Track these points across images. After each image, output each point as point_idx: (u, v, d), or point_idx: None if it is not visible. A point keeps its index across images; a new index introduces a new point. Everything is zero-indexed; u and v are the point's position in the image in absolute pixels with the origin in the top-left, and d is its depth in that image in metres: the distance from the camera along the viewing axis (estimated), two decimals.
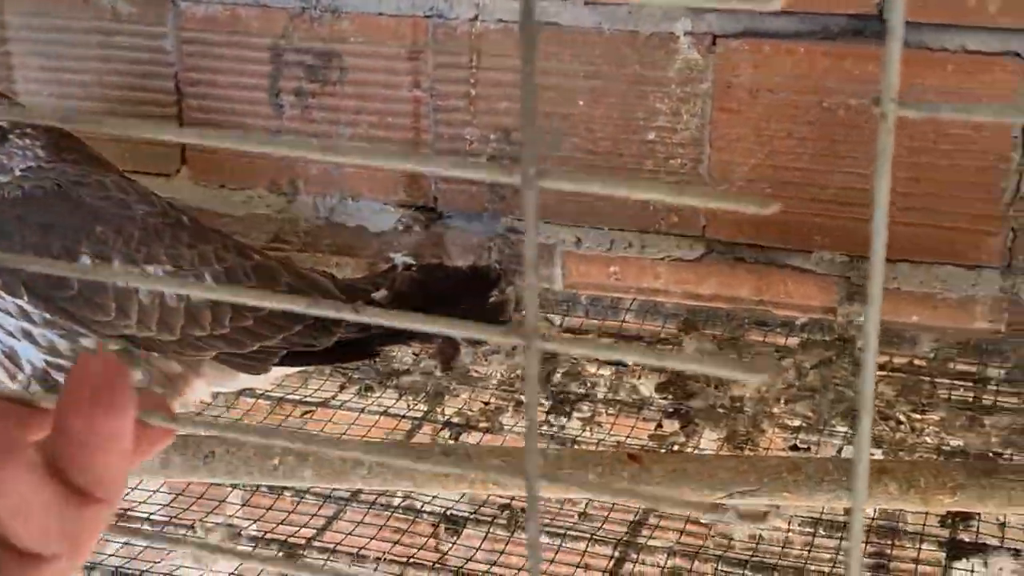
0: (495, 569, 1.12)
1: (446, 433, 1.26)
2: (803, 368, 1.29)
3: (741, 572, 1.10)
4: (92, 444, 0.44)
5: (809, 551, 1.11)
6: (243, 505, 1.21)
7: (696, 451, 1.21)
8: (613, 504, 1.16)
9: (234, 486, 1.18)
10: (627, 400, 1.29)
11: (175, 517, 1.17)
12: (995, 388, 1.28)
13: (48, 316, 1.12)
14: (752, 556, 1.11)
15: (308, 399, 1.32)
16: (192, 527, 1.14)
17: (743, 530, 1.13)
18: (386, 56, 1.46)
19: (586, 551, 1.13)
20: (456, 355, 1.33)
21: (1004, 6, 1.25)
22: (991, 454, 1.18)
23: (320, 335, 1.23)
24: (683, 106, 1.38)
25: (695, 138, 1.38)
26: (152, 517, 1.18)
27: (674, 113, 1.38)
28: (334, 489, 1.17)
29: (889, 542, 1.13)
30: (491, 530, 1.16)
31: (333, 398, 1.32)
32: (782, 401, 1.25)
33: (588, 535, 1.14)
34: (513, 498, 1.16)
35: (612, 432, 1.25)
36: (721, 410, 1.25)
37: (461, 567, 1.11)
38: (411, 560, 1.11)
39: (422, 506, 1.18)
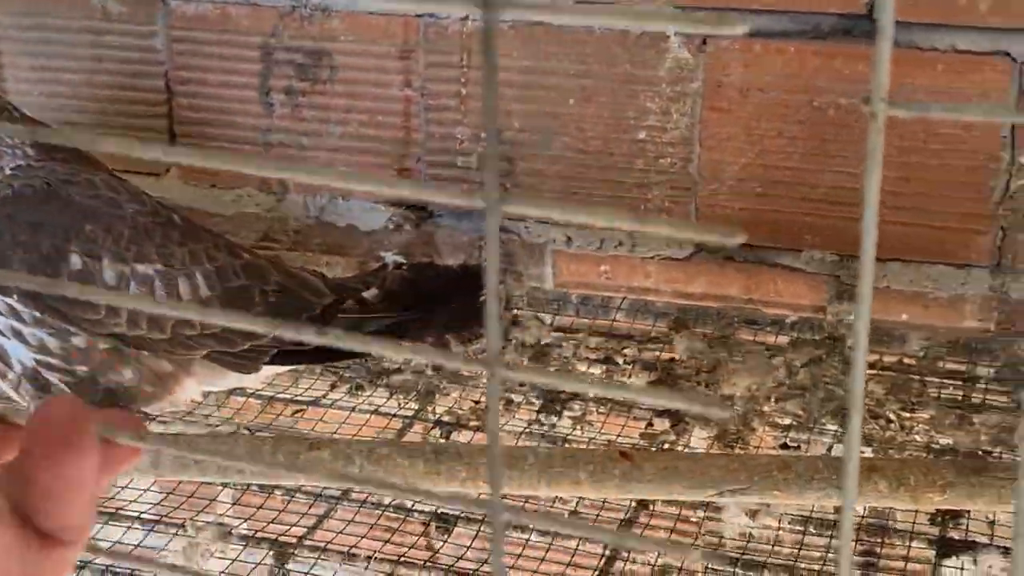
0: (485, 568, 1.12)
1: (437, 432, 1.26)
2: (793, 367, 1.30)
3: (732, 570, 1.10)
4: (57, 491, 0.43)
5: (799, 549, 1.12)
6: (233, 504, 1.21)
7: (687, 449, 1.21)
8: (604, 502, 1.16)
9: (225, 485, 1.18)
10: (618, 399, 1.29)
11: (165, 516, 1.17)
12: (984, 387, 1.29)
13: (38, 315, 1.12)
14: (742, 554, 1.11)
15: (299, 398, 1.32)
16: (183, 525, 1.14)
17: (733, 528, 1.13)
18: (377, 55, 1.46)
19: (577, 549, 1.13)
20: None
21: (994, 5, 1.26)
22: (980, 452, 1.18)
23: None
24: (673, 105, 1.38)
25: (685, 137, 1.38)
26: (142, 516, 1.17)
27: (664, 112, 1.38)
28: (325, 488, 1.17)
29: (879, 540, 1.13)
30: (482, 529, 1.16)
31: (324, 397, 1.32)
32: (772, 400, 1.25)
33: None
34: (504, 497, 1.16)
35: (603, 431, 1.25)
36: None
37: (452, 565, 1.11)
38: (402, 559, 1.11)
39: (413, 505, 1.18)
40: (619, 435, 1.24)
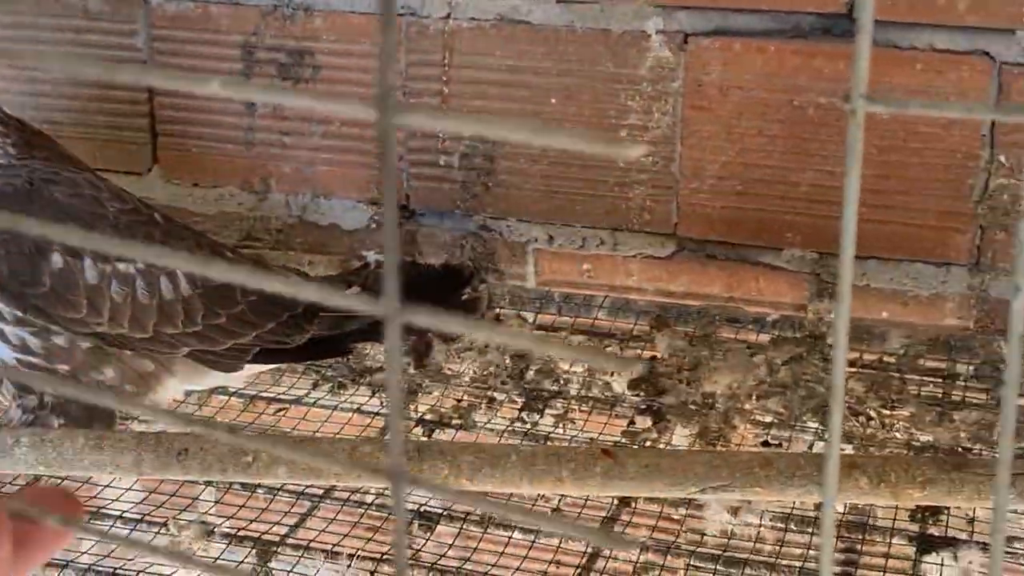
0: (468, 566, 1.12)
1: (419, 430, 1.27)
2: (774, 365, 1.30)
3: (713, 567, 1.10)
4: None
5: (780, 547, 1.12)
6: (216, 503, 1.21)
7: (669, 447, 1.21)
8: (586, 499, 1.16)
9: (207, 483, 1.18)
10: (600, 397, 1.29)
11: (148, 514, 1.17)
12: (964, 384, 1.30)
13: (20, 314, 1.12)
14: (724, 551, 1.11)
15: (281, 397, 1.32)
16: (165, 524, 1.14)
17: (715, 525, 1.13)
18: (359, 54, 1.46)
19: (559, 547, 1.13)
20: (429, 352, 1.34)
21: (973, 5, 1.26)
22: (960, 449, 1.19)
23: (293, 332, 1.24)
24: (655, 104, 1.38)
25: (666, 136, 1.39)
26: (125, 515, 1.17)
27: (646, 111, 1.39)
28: (307, 486, 1.17)
29: (860, 537, 1.14)
30: (464, 527, 1.16)
31: (306, 395, 1.32)
32: (754, 397, 1.26)
33: (561, 531, 1.14)
34: (486, 495, 1.16)
35: (585, 429, 1.25)
36: (693, 406, 1.25)
37: (434, 563, 1.11)
38: (384, 557, 1.11)
39: None
40: (601, 433, 1.24)
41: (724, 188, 1.38)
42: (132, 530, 1.15)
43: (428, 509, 1.17)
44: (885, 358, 1.33)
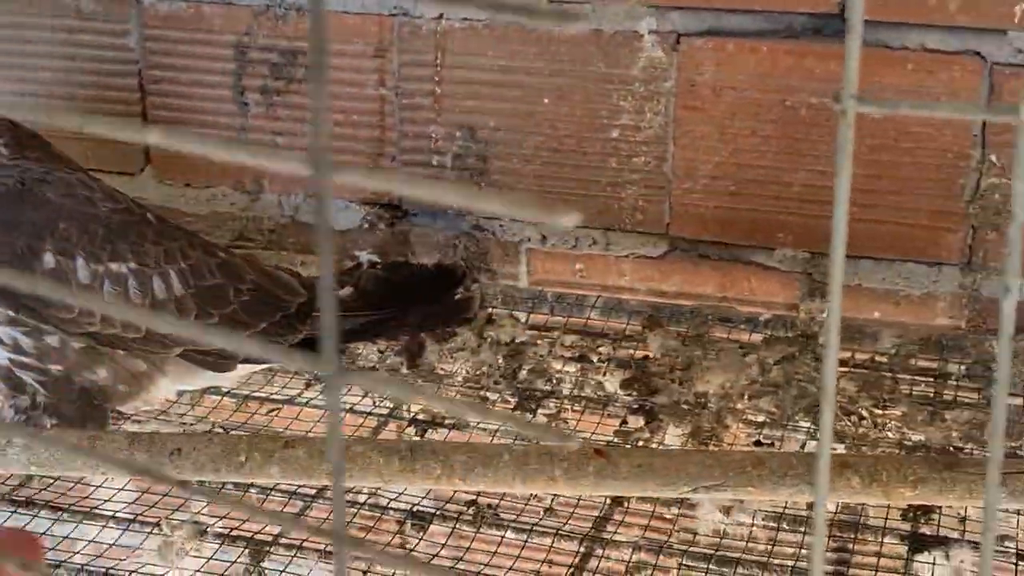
0: (461, 565, 1.12)
1: (412, 430, 1.27)
2: (766, 364, 1.30)
3: (705, 566, 1.10)
4: None
5: (772, 546, 1.12)
6: (209, 502, 1.21)
7: (661, 447, 1.21)
8: (579, 499, 1.16)
9: (200, 483, 1.18)
10: (592, 396, 1.29)
11: (140, 514, 1.17)
12: (956, 383, 1.30)
13: (12, 314, 1.12)
14: (716, 551, 1.12)
15: (273, 397, 1.32)
16: (158, 524, 1.14)
17: (707, 525, 1.13)
18: (351, 55, 1.46)
19: (552, 547, 1.13)
20: (422, 352, 1.34)
21: (964, 5, 1.26)
22: (952, 448, 1.19)
23: (286, 332, 1.24)
24: (647, 104, 1.38)
25: (659, 136, 1.39)
26: (117, 515, 1.17)
27: (638, 111, 1.39)
28: (300, 486, 1.17)
29: (851, 536, 1.14)
30: (457, 526, 1.16)
31: (299, 395, 1.32)
32: (746, 397, 1.26)
33: (554, 531, 1.14)
34: (479, 494, 1.17)
35: (578, 428, 1.25)
36: (685, 406, 1.26)
37: (427, 563, 1.11)
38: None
39: (388, 502, 1.18)
40: (594, 433, 1.24)
41: (717, 188, 1.39)
42: (124, 531, 1.15)
43: (421, 509, 1.17)
44: (877, 358, 1.33)
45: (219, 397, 1.32)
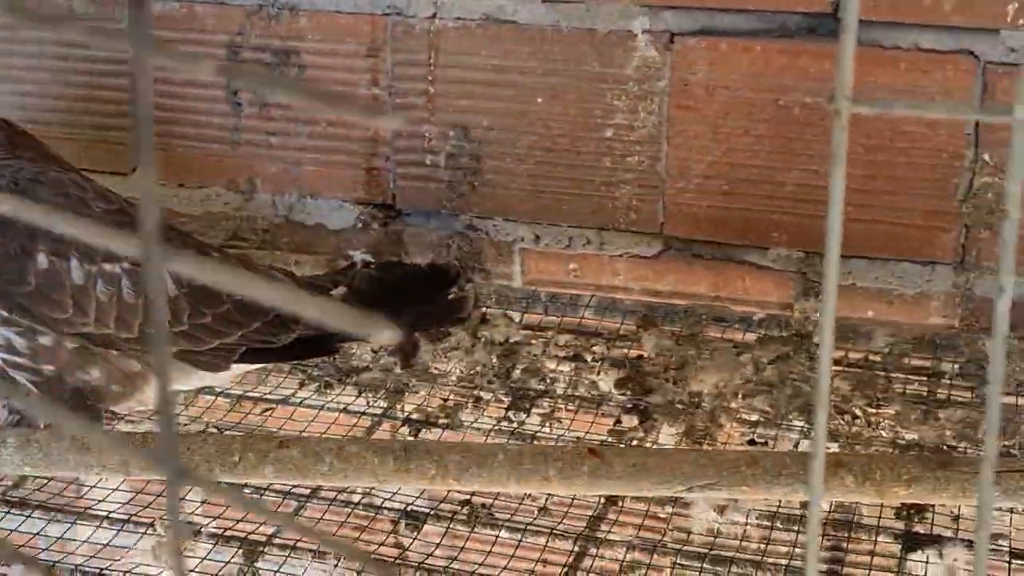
0: (455, 565, 1.12)
1: (406, 430, 1.27)
2: (760, 363, 1.30)
3: (699, 565, 1.10)
4: None
5: (766, 545, 1.12)
6: (202, 503, 1.21)
7: (655, 446, 1.21)
8: (573, 498, 1.16)
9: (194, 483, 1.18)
10: (586, 396, 1.29)
11: (134, 515, 1.17)
12: (949, 382, 1.30)
13: (6, 314, 1.12)
14: (710, 550, 1.12)
15: (267, 396, 1.32)
16: (151, 525, 1.14)
17: (702, 524, 1.14)
18: (344, 54, 1.46)
19: (546, 546, 1.13)
20: (416, 352, 1.34)
21: (958, 5, 1.27)
22: (945, 447, 1.19)
23: (279, 332, 1.23)
24: (641, 103, 1.39)
25: (652, 135, 1.39)
26: (111, 515, 1.17)
27: (632, 111, 1.39)
28: (294, 486, 1.17)
29: (845, 535, 1.14)
30: (451, 526, 1.16)
31: (292, 395, 1.32)
32: (740, 396, 1.26)
33: (548, 530, 1.14)
34: (473, 494, 1.17)
35: (572, 428, 1.25)
36: (679, 405, 1.26)
37: (421, 563, 1.11)
38: (371, 556, 1.11)
39: (382, 502, 1.18)
40: (588, 432, 1.24)
41: (710, 187, 1.39)
42: (118, 531, 1.15)
43: (415, 508, 1.17)
44: (871, 357, 1.33)
45: (213, 397, 1.32)
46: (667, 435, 1.24)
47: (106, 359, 1.17)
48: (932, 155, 1.32)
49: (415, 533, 1.16)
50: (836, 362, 1.31)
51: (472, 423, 1.27)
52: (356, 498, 1.19)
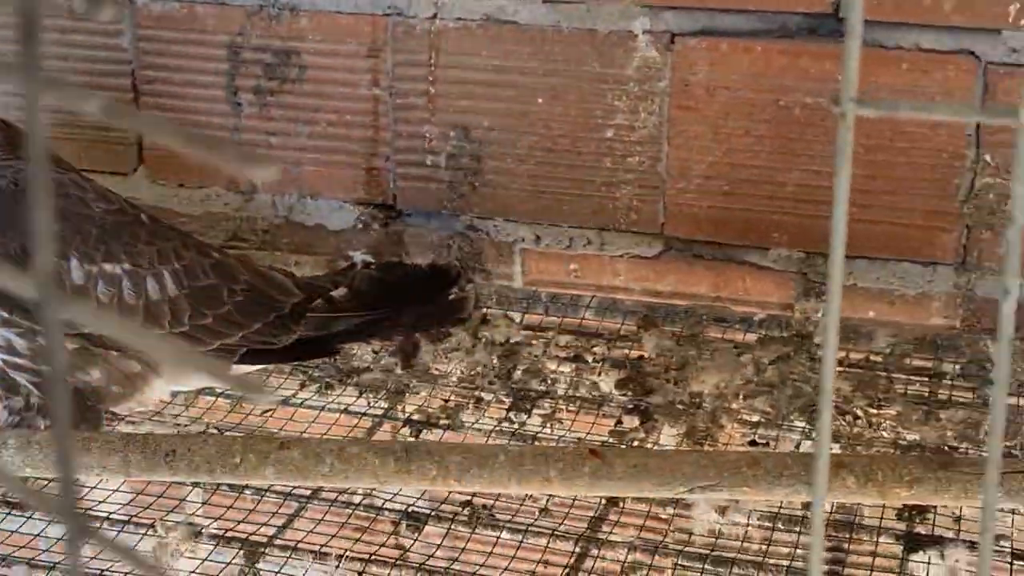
0: (456, 566, 1.12)
1: (406, 431, 1.26)
2: (761, 364, 1.30)
3: (701, 566, 1.10)
4: None
5: (768, 546, 1.12)
6: (203, 503, 1.21)
7: (656, 447, 1.21)
8: (574, 499, 1.16)
9: (195, 484, 1.18)
10: (587, 397, 1.29)
11: (135, 516, 1.16)
12: (950, 383, 1.30)
13: (6, 315, 1.11)
14: (712, 551, 1.12)
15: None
16: (152, 526, 1.14)
17: (703, 525, 1.13)
18: (345, 54, 1.46)
19: (547, 547, 1.13)
20: (416, 352, 1.33)
21: (958, 5, 1.27)
22: (946, 448, 1.19)
23: (280, 333, 1.23)
24: (641, 104, 1.38)
25: (653, 136, 1.39)
26: (112, 516, 1.17)
27: (632, 111, 1.39)
28: (295, 487, 1.17)
29: (847, 536, 1.14)
30: (452, 527, 1.16)
31: (293, 396, 1.32)
32: (741, 397, 1.26)
33: (549, 531, 1.14)
34: (474, 495, 1.17)
35: (572, 429, 1.25)
36: (680, 406, 1.26)
37: (422, 564, 1.11)
38: (372, 557, 1.11)
39: (383, 504, 1.18)
40: (589, 433, 1.24)
41: (711, 188, 1.38)
42: (119, 532, 1.15)
43: (416, 510, 1.17)
44: (872, 357, 1.33)
45: (213, 398, 1.31)
46: (668, 436, 1.23)
47: (106, 360, 1.17)
48: (933, 155, 1.32)
49: (416, 534, 1.16)
50: (837, 363, 1.31)
51: (473, 424, 1.27)
52: (357, 499, 1.19)
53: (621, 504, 1.17)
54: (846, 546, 1.14)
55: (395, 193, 1.49)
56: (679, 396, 1.27)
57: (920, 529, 1.13)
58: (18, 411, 1.17)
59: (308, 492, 1.19)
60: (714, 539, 1.13)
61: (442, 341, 1.35)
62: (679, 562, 1.11)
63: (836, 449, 1.17)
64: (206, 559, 1.14)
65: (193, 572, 1.13)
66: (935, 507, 1.13)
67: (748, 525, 1.14)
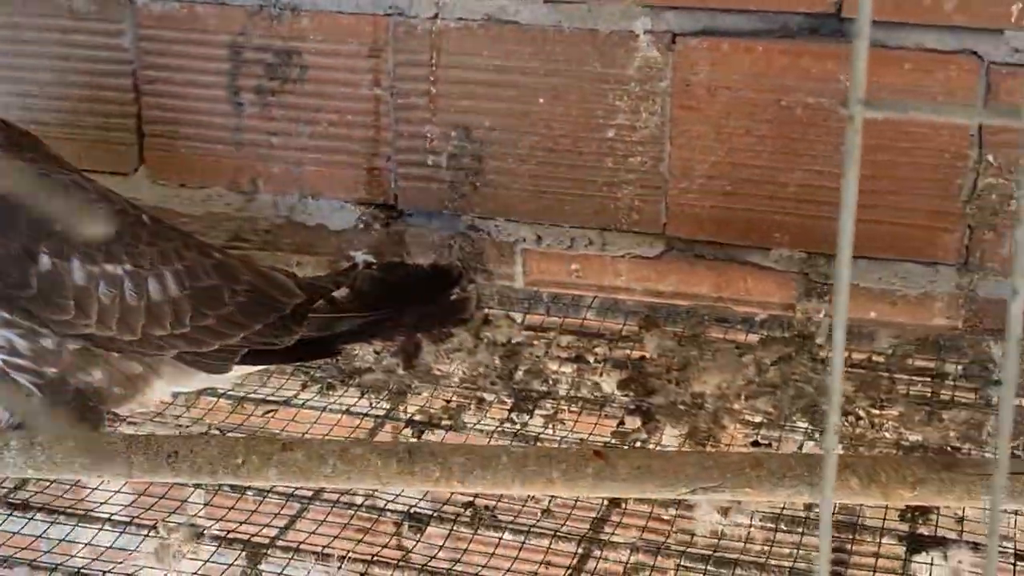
0: (458, 567, 1.12)
1: (408, 431, 1.26)
2: (763, 364, 1.30)
3: (703, 567, 1.10)
4: None
5: (770, 547, 1.12)
6: (205, 505, 1.21)
7: (658, 448, 1.21)
8: (576, 500, 1.16)
9: (197, 486, 1.18)
10: (589, 397, 1.29)
11: (137, 517, 1.16)
12: (952, 384, 1.30)
13: (8, 316, 1.11)
14: (714, 552, 1.11)
15: (270, 398, 1.32)
16: (154, 527, 1.14)
17: (705, 526, 1.13)
18: (346, 54, 1.46)
19: (549, 548, 1.13)
20: (418, 353, 1.33)
21: (960, 4, 1.26)
22: (949, 449, 1.19)
23: (281, 333, 1.23)
24: (643, 104, 1.38)
25: (655, 136, 1.39)
26: (113, 517, 1.17)
27: (634, 111, 1.39)
28: (297, 488, 1.17)
29: (849, 537, 1.14)
30: (454, 528, 1.16)
31: (295, 397, 1.32)
32: (743, 397, 1.26)
33: (552, 532, 1.14)
34: (477, 496, 1.16)
35: (575, 429, 1.25)
36: (682, 407, 1.25)
37: (425, 565, 1.11)
38: (375, 558, 1.11)
39: (385, 505, 1.18)
40: (591, 434, 1.24)
41: (713, 188, 1.38)
42: (121, 533, 1.15)
43: (418, 511, 1.17)
44: (874, 358, 1.33)
45: (215, 399, 1.31)
46: (670, 436, 1.23)
47: (108, 361, 1.17)
48: (935, 155, 1.32)
49: (418, 535, 1.16)
50: None
51: (475, 425, 1.27)
52: (359, 500, 1.19)
53: (623, 505, 1.17)
54: (848, 547, 1.13)
55: (396, 193, 1.49)
56: (681, 397, 1.27)
57: (923, 530, 1.13)
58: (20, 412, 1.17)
59: (310, 493, 1.18)
60: (716, 540, 1.13)
61: (444, 342, 1.34)
62: (682, 563, 1.11)
63: (839, 450, 1.17)
64: (208, 560, 1.14)
65: (195, 574, 1.13)
66: (938, 508, 1.12)
67: (751, 526, 1.14)
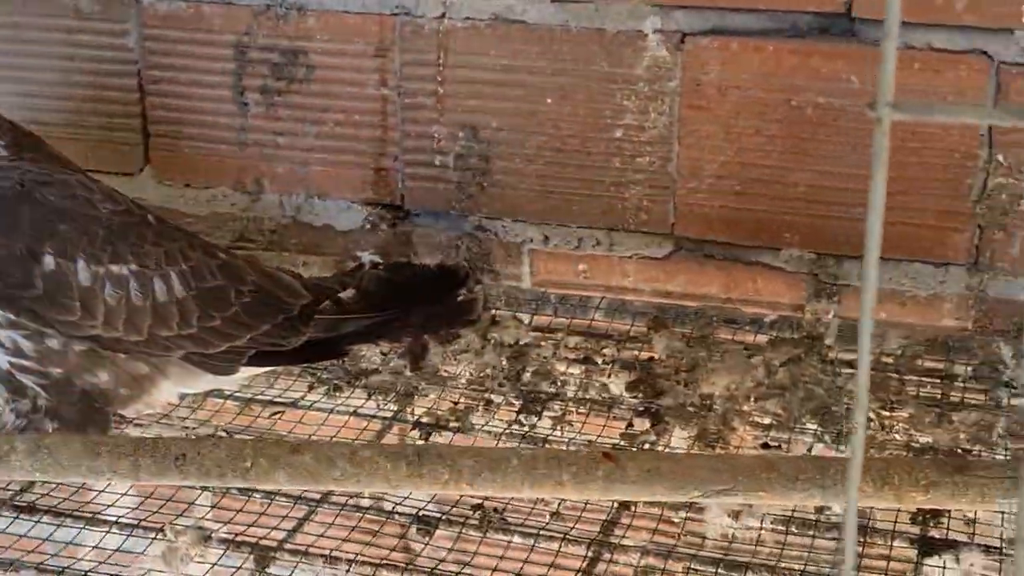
0: (467, 570, 1.11)
1: (416, 433, 1.26)
2: (772, 366, 1.29)
3: (713, 571, 1.09)
4: None
5: (781, 549, 1.11)
6: (213, 507, 1.20)
7: (667, 450, 1.21)
8: (586, 503, 1.15)
9: (204, 488, 1.17)
10: (597, 398, 1.28)
11: (144, 520, 1.16)
12: (962, 385, 1.29)
13: (13, 317, 1.11)
14: (725, 555, 1.11)
15: (277, 400, 1.31)
16: (162, 530, 1.13)
17: (715, 529, 1.13)
18: (353, 54, 1.45)
19: (559, 551, 1.13)
20: (425, 354, 1.33)
21: (970, 4, 1.26)
22: (960, 450, 1.18)
23: (288, 335, 1.23)
24: (651, 104, 1.38)
25: (663, 136, 1.38)
26: (120, 520, 1.16)
27: (642, 111, 1.38)
28: (304, 491, 1.16)
29: (860, 539, 1.13)
30: (463, 531, 1.15)
31: (302, 398, 1.31)
32: (752, 399, 1.25)
33: (561, 535, 1.13)
34: (486, 498, 1.16)
35: (583, 431, 1.24)
36: (691, 408, 1.25)
37: (433, 568, 1.11)
38: (383, 561, 1.10)
39: (393, 507, 1.17)
40: (599, 436, 1.23)
41: (722, 188, 1.38)
42: (128, 536, 1.14)
43: (427, 513, 1.16)
44: (883, 358, 1.32)
45: (222, 400, 1.31)
46: (679, 438, 1.23)
47: (114, 362, 1.16)
48: (945, 155, 1.31)
49: (426, 538, 1.15)
50: (847, 364, 1.30)
51: (483, 426, 1.26)
52: (367, 503, 1.18)
53: (633, 508, 1.16)
54: (860, 550, 1.13)
55: (403, 193, 1.48)
56: (690, 398, 1.26)
57: (934, 533, 1.12)
58: (25, 414, 1.16)
59: (318, 496, 1.18)
60: (727, 543, 1.13)
61: (451, 343, 1.34)
62: (692, 566, 1.10)
63: (849, 453, 1.16)
64: (216, 563, 1.13)
65: None
66: (949, 511, 1.12)
67: (761, 529, 1.13)
